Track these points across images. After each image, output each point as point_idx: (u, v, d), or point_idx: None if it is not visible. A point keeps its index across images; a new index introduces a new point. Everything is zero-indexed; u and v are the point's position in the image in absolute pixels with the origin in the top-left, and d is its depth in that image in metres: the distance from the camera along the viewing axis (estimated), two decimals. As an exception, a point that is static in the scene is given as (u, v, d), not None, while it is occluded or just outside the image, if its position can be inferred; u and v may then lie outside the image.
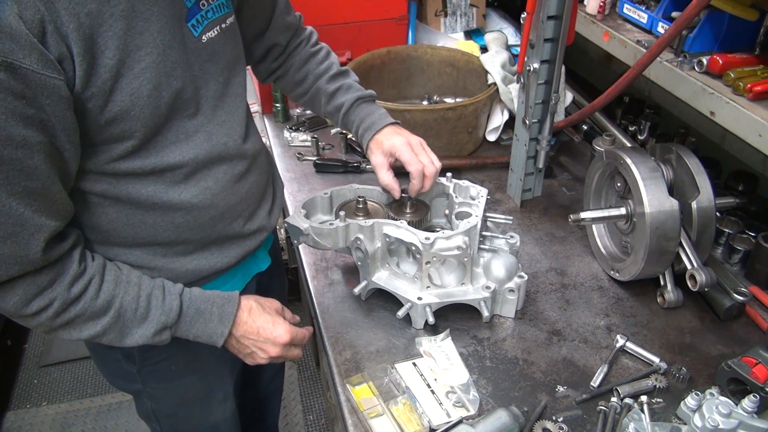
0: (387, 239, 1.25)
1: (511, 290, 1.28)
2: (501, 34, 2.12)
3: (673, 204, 1.24)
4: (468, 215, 1.28)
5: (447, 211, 1.38)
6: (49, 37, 0.80)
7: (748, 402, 0.99)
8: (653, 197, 1.24)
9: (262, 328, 1.12)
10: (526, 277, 1.29)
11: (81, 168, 0.95)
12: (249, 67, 1.40)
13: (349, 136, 1.88)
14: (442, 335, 1.25)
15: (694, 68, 1.32)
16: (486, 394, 1.15)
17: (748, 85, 1.18)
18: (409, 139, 1.33)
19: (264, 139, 1.74)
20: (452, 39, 2.21)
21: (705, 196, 1.26)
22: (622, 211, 1.34)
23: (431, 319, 1.23)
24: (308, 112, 2.06)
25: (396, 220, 1.28)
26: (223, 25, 1.07)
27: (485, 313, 1.26)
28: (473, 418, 1.08)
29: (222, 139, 1.08)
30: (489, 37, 2.11)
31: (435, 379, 1.16)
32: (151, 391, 1.29)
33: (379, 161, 1.33)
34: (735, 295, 1.30)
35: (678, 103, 1.37)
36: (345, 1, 2.01)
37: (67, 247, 0.95)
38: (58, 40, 0.81)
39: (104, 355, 1.26)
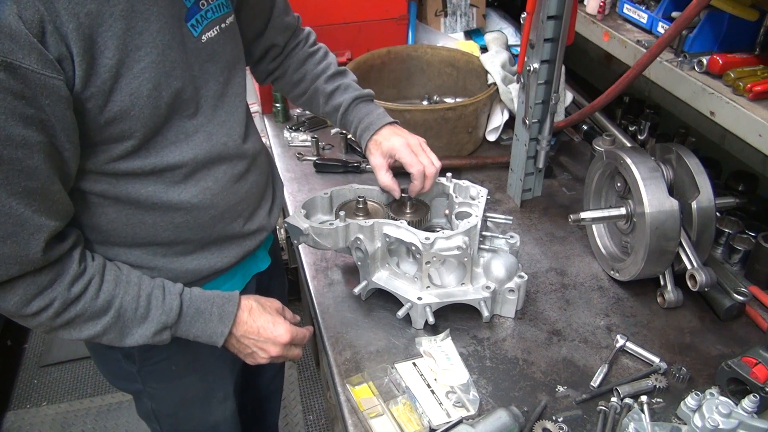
0: (387, 239, 1.25)
1: (511, 290, 1.28)
2: (501, 34, 2.12)
3: (673, 204, 1.24)
4: (468, 215, 1.28)
5: (447, 211, 1.38)
6: (48, 37, 0.80)
7: (748, 402, 0.99)
8: (653, 197, 1.24)
9: (263, 327, 1.12)
10: (526, 277, 1.29)
11: (81, 168, 0.95)
12: (248, 67, 1.40)
13: (349, 136, 1.88)
14: (442, 335, 1.25)
15: (694, 68, 1.32)
16: (486, 394, 1.15)
17: (748, 85, 1.18)
18: (408, 139, 1.33)
19: (264, 139, 1.75)
20: (452, 39, 2.21)
21: (705, 196, 1.26)
22: (622, 211, 1.34)
23: (431, 319, 1.23)
24: (308, 112, 2.06)
25: (396, 220, 1.28)
26: (223, 25, 1.07)
27: (485, 313, 1.26)
28: (473, 418, 1.08)
29: (222, 139, 1.08)
30: (489, 37, 2.11)
31: (435, 379, 1.16)
32: (151, 391, 1.29)
33: (378, 162, 1.33)
34: (735, 295, 1.30)
35: (678, 103, 1.37)
36: (345, 1, 2.01)
37: (67, 247, 0.95)
38: (57, 40, 0.81)
39: (104, 355, 1.26)
